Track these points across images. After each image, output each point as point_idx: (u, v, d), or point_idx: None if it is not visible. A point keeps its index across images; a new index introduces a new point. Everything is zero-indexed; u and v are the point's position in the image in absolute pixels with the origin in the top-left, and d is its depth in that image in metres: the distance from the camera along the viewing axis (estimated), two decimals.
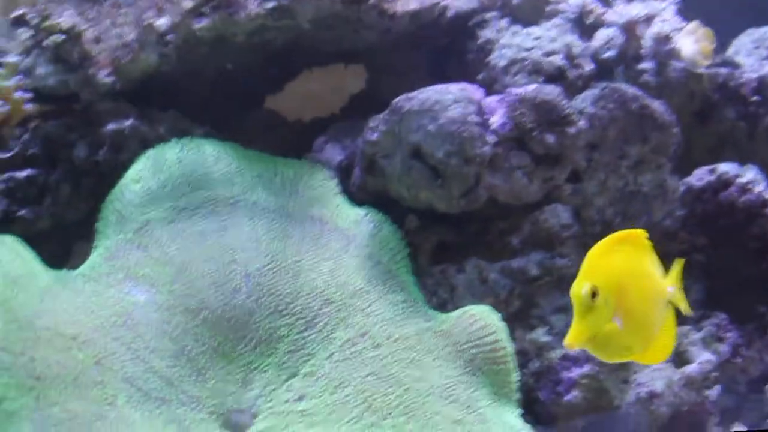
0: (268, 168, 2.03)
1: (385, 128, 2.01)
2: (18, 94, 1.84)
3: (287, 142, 2.31)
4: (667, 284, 1.46)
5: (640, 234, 1.46)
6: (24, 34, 2.12)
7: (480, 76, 2.22)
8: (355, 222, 2.01)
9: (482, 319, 1.86)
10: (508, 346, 1.84)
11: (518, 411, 1.82)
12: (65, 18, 2.06)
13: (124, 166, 1.97)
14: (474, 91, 1.98)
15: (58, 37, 2.05)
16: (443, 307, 1.97)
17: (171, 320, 1.79)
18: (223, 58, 2.18)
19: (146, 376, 1.72)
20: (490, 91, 2.11)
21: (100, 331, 1.74)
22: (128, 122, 2.08)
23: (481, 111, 1.96)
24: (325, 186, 2.06)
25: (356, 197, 2.08)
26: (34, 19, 2.10)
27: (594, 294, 1.36)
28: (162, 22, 2.03)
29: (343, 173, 2.15)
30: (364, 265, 1.94)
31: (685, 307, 1.50)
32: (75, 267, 1.86)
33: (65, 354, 1.68)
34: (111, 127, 2.07)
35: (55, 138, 2.11)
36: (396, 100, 1.99)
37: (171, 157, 1.94)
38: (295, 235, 1.94)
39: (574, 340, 1.39)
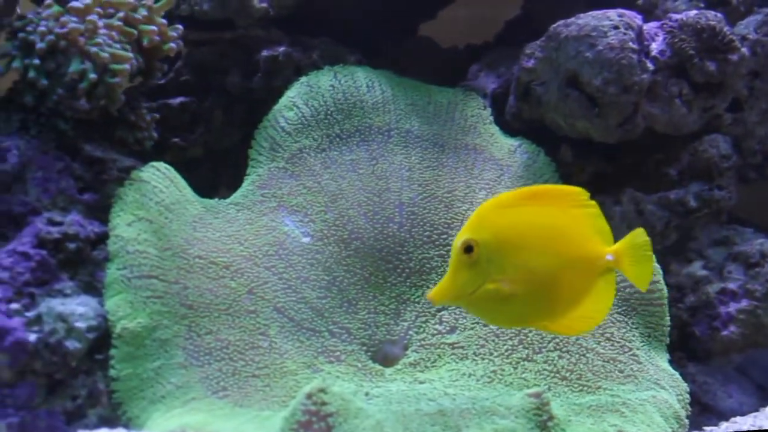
0: (422, 96, 2.01)
1: (542, 55, 1.97)
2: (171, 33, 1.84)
3: (441, 69, 2.28)
4: (606, 251, 1.36)
5: (567, 191, 1.37)
6: None
7: (639, 2, 2.15)
8: (510, 152, 1.98)
9: None
10: (664, 289, 1.80)
11: (667, 356, 1.78)
12: None
13: (278, 93, 1.96)
14: (633, 17, 1.92)
15: None
16: None
17: (323, 250, 1.79)
18: None
19: (298, 306, 1.72)
20: (649, 17, 2.06)
21: (252, 260, 1.74)
22: (282, 49, 2.08)
23: (640, 37, 1.90)
24: (479, 114, 2.03)
25: (510, 126, 2.06)
26: None
27: (470, 249, 1.30)
28: None
29: (497, 101, 2.12)
30: None
31: (636, 279, 1.40)
32: (226, 194, 1.87)
33: (218, 283, 1.69)
34: (265, 53, 2.08)
35: (208, 65, 2.12)
36: (553, 26, 1.95)
37: (324, 84, 1.93)
38: (448, 164, 1.92)
39: (435, 295, 1.33)
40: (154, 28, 1.81)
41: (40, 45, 1.70)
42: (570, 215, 1.35)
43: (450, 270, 1.32)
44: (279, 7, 2.05)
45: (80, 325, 1.57)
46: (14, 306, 1.57)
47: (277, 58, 2.06)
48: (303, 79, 1.96)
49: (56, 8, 1.74)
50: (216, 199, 1.83)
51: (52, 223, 1.66)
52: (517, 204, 1.33)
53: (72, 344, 1.56)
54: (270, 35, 2.10)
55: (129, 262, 1.63)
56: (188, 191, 1.80)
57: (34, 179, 1.69)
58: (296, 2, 2.05)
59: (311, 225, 1.80)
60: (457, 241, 1.31)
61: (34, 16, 1.75)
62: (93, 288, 1.65)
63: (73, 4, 1.74)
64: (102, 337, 1.59)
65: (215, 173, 2.19)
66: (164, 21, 1.83)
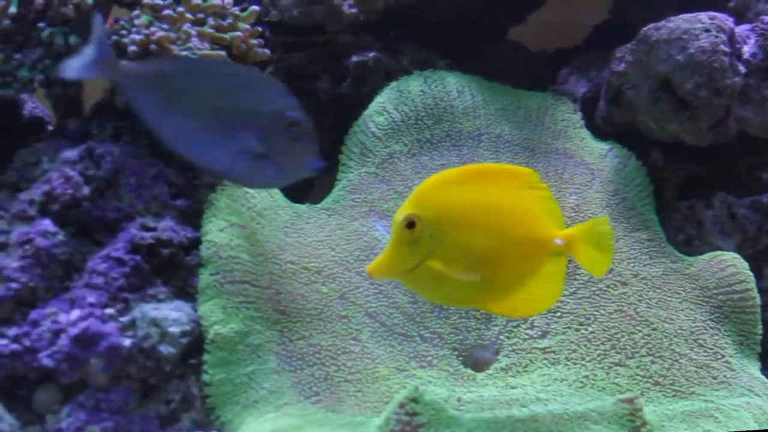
0: (512, 100, 2.00)
1: (633, 59, 1.95)
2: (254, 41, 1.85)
3: (530, 73, 2.27)
4: (555, 234, 1.32)
5: (516, 171, 1.33)
6: None
7: (731, 4, 2.12)
8: (600, 156, 1.97)
9: (733, 266, 1.80)
10: (757, 297, 1.77)
11: (759, 365, 1.75)
12: None
13: (368, 99, 1.96)
14: (725, 20, 1.89)
15: None
16: (690, 243, 1.92)
17: None
18: None
19: (389, 311, 1.72)
20: (741, 19, 2.02)
21: (344, 265, 1.75)
22: (371, 54, 2.07)
23: (732, 40, 1.87)
24: (569, 119, 2.02)
25: (600, 130, 2.04)
26: None
27: (412, 224, 1.26)
28: None
29: (588, 105, 2.10)
30: (609, 201, 1.90)
31: (590, 267, 1.36)
32: (317, 200, 1.87)
33: (310, 288, 1.69)
34: (354, 59, 2.08)
35: (298, 70, 2.13)
36: (644, 29, 1.93)
37: (414, 89, 1.93)
38: (539, 169, 1.91)
39: (375, 269, 1.30)
40: (239, 33, 1.82)
41: (132, 48, 1.71)
42: (519, 196, 1.31)
43: (390, 245, 1.29)
44: (369, 12, 2.05)
45: (174, 330, 1.58)
46: (109, 311, 1.59)
47: (367, 64, 2.06)
48: (393, 84, 1.95)
49: (147, 17, 1.76)
50: (307, 205, 1.84)
51: (145, 228, 1.67)
52: (464, 181, 1.30)
53: (166, 349, 1.57)
54: (359, 40, 2.10)
55: (222, 267, 1.64)
56: (280, 196, 1.81)
57: (127, 185, 1.71)
58: (386, 7, 2.05)
59: None
60: (399, 216, 1.27)
61: (126, 22, 1.77)
62: (186, 293, 1.66)
63: (166, 12, 1.76)
64: (195, 342, 1.60)
65: (306, 179, 2.19)
66: (248, 27, 1.84)
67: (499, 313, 1.45)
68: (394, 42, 2.13)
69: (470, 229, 1.28)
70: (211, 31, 1.78)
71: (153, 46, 1.72)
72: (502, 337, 1.74)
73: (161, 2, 1.77)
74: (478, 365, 1.72)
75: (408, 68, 2.05)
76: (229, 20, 1.82)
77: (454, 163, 1.87)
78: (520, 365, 1.70)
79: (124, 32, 1.75)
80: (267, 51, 1.87)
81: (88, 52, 1.49)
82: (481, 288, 1.31)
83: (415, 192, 1.29)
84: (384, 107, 1.91)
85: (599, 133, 2.03)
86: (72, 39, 1.76)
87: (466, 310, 1.75)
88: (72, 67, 1.49)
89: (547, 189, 1.34)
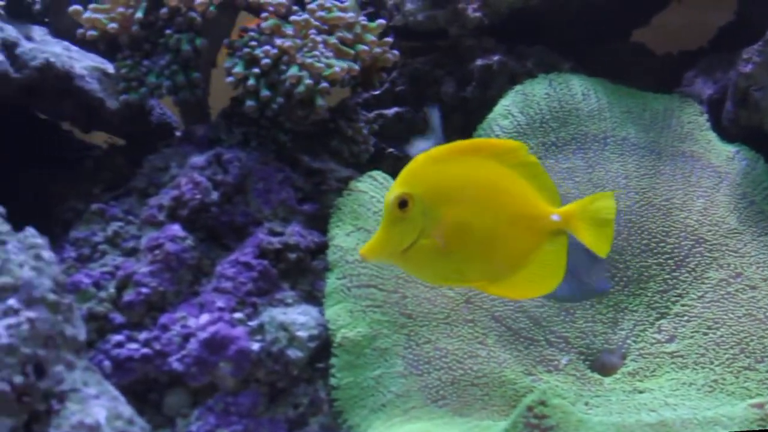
0: (638, 103, 1.98)
1: (760, 60, 1.91)
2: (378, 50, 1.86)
3: (655, 76, 2.24)
4: (551, 211, 1.26)
5: (506, 145, 1.27)
6: None
7: None
8: (728, 159, 1.93)
9: None
10: None
11: None
12: None
13: (492, 102, 1.95)
14: None
15: None
16: None
17: None
18: None
19: (515, 315, 1.71)
20: None
21: None
22: (496, 58, 2.07)
23: None
24: (695, 121, 1.99)
25: (727, 132, 2.01)
26: None
27: (404, 203, 1.22)
28: None
29: (714, 108, 2.07)
30: (737, 205, 1.86)
31: (591, 244, 1.29)
32: None
33: (436, 292, 1.69)
34: (479, 62, 2.07)
35: (422, 75, 2.13)
36: None
37: (539, 92, 1.92)
38: (665, 172, 1.88)
39: (368, 251, 1.25)
40: (365, 48, 1.83)
41: (265, 61, 1.73)
42: (511, 171, 1.26)
43: (382, 226, 1.25)
44: (493, 16, 2.04)
45: (301, 334, 1.59)
46: (237, 315, 1.60)
47: (491, 67, 2.06)
48: (518, 87, 1.94)
49: (273, 21, 1.77)
50: None
51: (273, 233, 1.69)
52: (453, 158, 1.25)
53: (294, 353, 1.58)
54: (483, 44, 2.09)
55: (348, 271, 1.64)
56: None
57: (255, 190, 1.72)
58: (510, 11, 2.04)
59: None
60: (390, 195, 1.23)
61: (255, 32, 1.79)
62: (313, 297, 1.67)
63: (292, 18, 1.78)
64: (322, 346, 1.61)
65: None
66: (374, 39, 1.84)
67: (497, 294, 1.39)
68: (518, 45, 2.11)
69: (462, 206, 1.24)
70: (335, 41, 1.79)
71: (274, 51, 1.74)
72: (629, 341, 1.72)
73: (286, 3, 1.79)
74: (605, 369, 1.71)
75: (533, 71, 2.04)
76: (357, 30, 1.83)
77: (579, 166, 1.85)
78: (648, 369, 1.68)
79: (253, 43, 1.77)
80: (396, 52, 1.87)
81: (430, 140, 1.53)
82: (475, 266, 1.27)
83: (404, 171, 1.25)
84: (509, 110, 1.90)
85: (726, 136, 1.99)
86: (198, 42, 1.78)
87: (593, 314, 1.73)
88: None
89: (538, 163, 1.29)
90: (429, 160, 1.24)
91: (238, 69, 1.75)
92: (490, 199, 1.25)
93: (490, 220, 1.25)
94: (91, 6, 1.83)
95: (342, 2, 1.85)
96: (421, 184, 1.22)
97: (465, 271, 1.27)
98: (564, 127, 1.89)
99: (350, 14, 1.83)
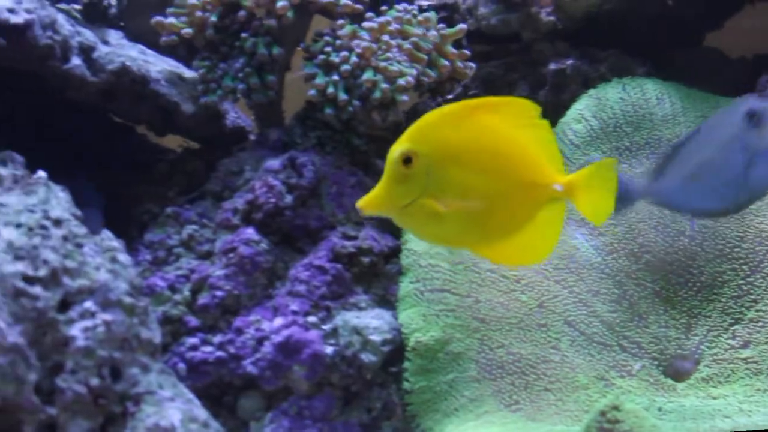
0: (712, 108, 1.96)
1: None
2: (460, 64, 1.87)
3: (729, 80, 2.22)
4: (554, 179, 1.23)
5: (517, 105, 1.25)
6: None
7: None
8: None
9: None
10: None
11: None
12: None
13: (565, 106, 1.94)
14: None
15: None
16: None
17: (613, 264, 1.76)
18: None
19: (588, 320, 1.70)
20: None
21: (542, 273, 1.74)
22: (570, 62, 2.06)
23: None
24: None
25: None
26: None
27: (409, 159, 1.18)
28: None
29: None
30: None
31: (590, 215, 1.28)
32: None
33: (509, 296, 1.69)
34: (552, 66, 2.06)
35: (495, 78, 2.13)
36: None
37: (613, 96, 1.91)
38: None
39: (367, 204, 1.21)
40: (446, 63, 1.83)
41: (345, 67, 1.74)
42: (519, 136, 1.23)
43: (384, 179, 1.21)
44: (566, 20, 2.04)
45: (375, 338, 1.60)
46: (311, 319, 1.61)
47: (564, 71, 2.05)
48: (591, 91, 1.93)
49: (350, 27, 1.78)
50: None
51: (346, 237, 1.70)
52: (463, 116, 1.21)
53: (367, 357, 1.59)
54: (556, 48, 2.09)
55: (422, 275, 1.64)
56: None
57: (328, 194, 1.73)
58: (584, 15, 2.04)
59: (601, 238, 1.78)
60: (395, 150, 1.20)
61: (330, 37, 1.80)
62: (386, 301, 1.68)
63: (366, 23, 1.78)
64: (396, 350, 1.61)
65: None
66: (454, 50, 1.85)
67: (492, 260, 1.36)
68: (592, 49, 2.11)
69: (467, 168, 1.21)
70: (410, 47, 1.79)
71: (359, 60, 1.75)
72: (702, 346, 1.71)
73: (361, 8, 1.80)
74: (678, 375, 1.69)
75: (606, 75, 2.03)
76: (435, 37, 1.83)
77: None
78: (722, 375, 1.67)
79: (328, 49, 1.77)
80: (473, 65, 1.87)
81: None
82: (474, 230, 1.25)
83: (412, 126, 1.22)
84: (582, 115, 1.89)
85: None
86: (275, 50, 1.79)
87: (666, 320, 1.72)
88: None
89: (548, 125, 1.27)
90: (439, 118, 1.22)
91: (320, 80, 1.76)
92: (495, 162, 1.22)
93: (493, 184, 1.22)
94: (170, 10, 1.85)
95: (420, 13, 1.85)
96: (427, 142, 1.20)
97: (463, 233, 1.25)
98: (638, 132, 1.88)
99: (431, 32, 1.84)
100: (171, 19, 1.84)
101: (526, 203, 1.25)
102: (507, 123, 1.22)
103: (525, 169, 1.23)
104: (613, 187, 1.28)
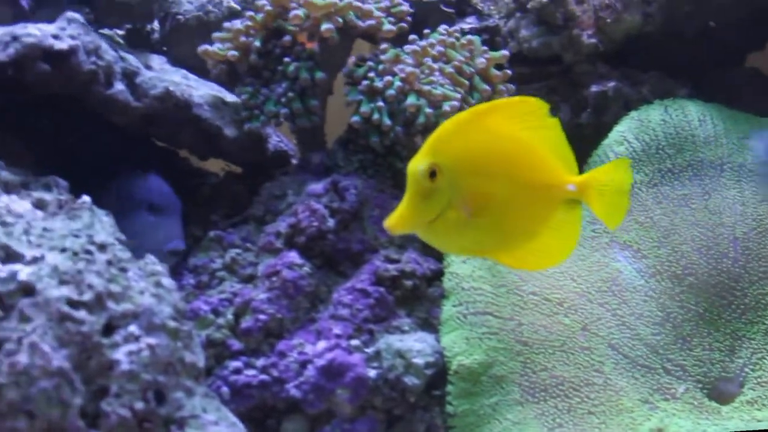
0: (754, 129, 1.95)
1: None
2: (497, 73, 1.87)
3: None
4: (567, 180, 1.21)
5: (527, 106, 1.21)
6: None
7: None
8: None
9: None
10: None
11: None
12: None
13: (607, 128, 1.94)
14: None
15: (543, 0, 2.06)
16: None
17: (657, 286, 1.76)
18: (705, 15, 2.11)
19: (632, 343, 1.70)
20: None
21: (585, 296, 1.73)
22: (611, 84, 2.06)
23: None
24: None
25: None
26: None
27: (434, 173, 1.15)
28: None
29: None
30: None
31: (604, 216, 1.25)
32: None
33: (552, 319, 1.68)
34: (594, 88, 2.06)
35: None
36: None
37: (655, 118, 1.90)
38: None
39: (395, 223, 1.18)
40: (486, 87, 1.83)
41: (390, 92, 1.74)
42: (531, 137, 1.21)
43: (408, 196, 1.18)
44: (608, 42, 2.04)
45: (418, 361, 1.60)
46: (354, 342, 1.61)
47: (606, 93, 2.05)
48: (633, 113, 1.93)
49: (393, 52, 1.79)
50: None
51: (389, 260, 1.70)
52: (477, 123, 1.19)
53: (410, 380, 1.59)
54: (598, 70, 2.09)
55: (464, 298, 1.65)
56: None
57: (371, 217, 1.73)
58: (625, 37, 2.04)
59: (644, 261, 1.78)
60: (417, 165, 1.16)
61: (373, 62, 1.80)
62: (429, 325, 1.68)
63: (409, 47, 1.79)
64: (439, 374, 1.61)
65: None
66: (498, 73, 1.85)
67: (510, 265, 1.34)
68: (633, 71, 2.10)
69: (486, 176, 1.19)
70: (452, 71, 1.80)
71: (403, 85, 1.75)
72: (747, 369, 1.70)
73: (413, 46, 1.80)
74: (723, 398, 1.69)
75: (648, 97, 2.02)
76: (480, 63, 1.84)
77: (696, 193, 1.84)
78: (766, 398, 1.66)
79: (372, 75, 1.78)
80: (512, 86, 1.88)
81: None
82: (495, 236, 1.23)
83: (430, 139, 1.19)
84: (624, 137, 1.89)
85: None
86: (318, 75, 1.80)
87: (710, 342, 1.71)
88: None
89: (557, 124, 1.23)
90: (455, 128, 1.19)
91: (365, 107, 1.77)
92: (511, 167, 1.21)
93: (510, 188, 1.21)
94: (215, 35, 1.86)
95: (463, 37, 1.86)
96: (447, 154, 1.17)
97: (484, 241, 1.23)
98: (680, 154, 1.88)
99: (480, 60, 1.84)
100: (216, 46, 1.85)
101: (541, 205, 1.23)
102: (518, 125, 1.21)
103: (539, 172, 1.22)
104: (627, 188, 1.26)
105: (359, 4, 1.82)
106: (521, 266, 1.42)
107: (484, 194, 1.19)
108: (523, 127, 1.20)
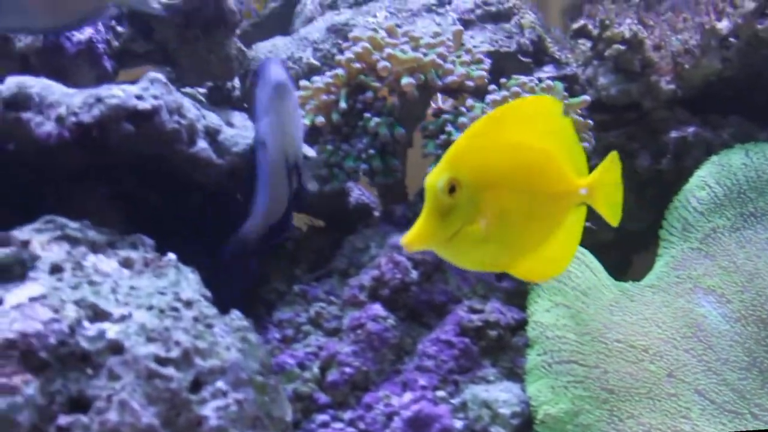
0: None
1: None
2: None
3: None
4: (580, 184, 1.18)
5: (546, 103, 1.19)
6: (583, 45, 2.16)
7: None
8: None
9: None
10: None
11: None
12: (626, 26, 2.07)
13: (687, 174, 1.94)
14: None
15: (620, 47, 2.06)
16: None
17: (742, 331, 1.74)
18: None
19: (719, 388, 1.69)
20: None
21: (670, 342, 1.73)
22: (691, 129, 2.06)
23: None
24: None
25: None
26: (594, 29, 2.14)
27: (453, 188, 1.12)
28: (724, 25, 1.99)
29: None
30: None
31: (607, 214, 1.23)
32: (637, 277, 1.86)
33: (637, 366, 1.68)
34: (674, 134, 2.06)
35: (617, 148, 2.12)
36: None
37: (736, 162, 1.90)
38: None
39: (414, 240, 1.13)
40: None
41: None
42: (545, 142, 1.18)
43: (426, 212, 1.13)
44: (687, 87, 2.04)
45: (504, 411, 1.60)
46: (440, 393, 1.62)
47: (686, 139, 2.04)
48: (713, 158, 1.92)
49: (479, 106, 1.80)
50: (630, 282, 1.83)
51: (473, 311, 1.70)
52: (492, 132, 1.16)
53: (497, 430, 1.59)
54: (677, 115, 2.08)
55: (549, 347, 1.64)
56: (603, 275, 1.80)
57: (453, 268, 1.74)
58: (704, 82, 2.04)
59: (728, 306, 1.77)
60: (435, 180, 1.12)
61: (451, 114, 1.82)
62: (514, 374, 1.68)
63: (490, 96, 1.80)
64: (525, 423, 1.61)
65: (625, 256, 2.18)
66: (579, 119, 1.85)
67: (521, 277, 1.30)
68: (712, 116, 2.10)
69: (504, 188, 1.16)
70: None
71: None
72: None
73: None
74: None
75: (728, 141, 2.02)
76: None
77: None
78: None
79: (450, 128, 1.80)
80: (590, 135, 1.88)
81: None
82: (512, 249, 1.20)
83: (448, 154, 1.15)
84: (705, 181, 1.88)
85: None
86: (398, 130, 1.82)
87: None
88: None
89: (570, 124, 1.22)
90: (471, 141, 1.16)
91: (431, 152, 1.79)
92: (529, 178, 1.18)
93: (530, 199, 1.19)
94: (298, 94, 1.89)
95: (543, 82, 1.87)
96: (466, 168, 1.14)
97: (501, 255, 1.20)
98: (762, 197, 1.86)
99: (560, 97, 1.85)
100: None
101: (556, 213, 1.22)
102: (533, 128, 1.19)
103: (556, 180, 1.20)
104: (620, 181, 1.25)
105: (441, 62, 1.84)
106: (532, 278, 1.39)
107: (502, 207, 1.16)
108: (537, 131, 1.19)
